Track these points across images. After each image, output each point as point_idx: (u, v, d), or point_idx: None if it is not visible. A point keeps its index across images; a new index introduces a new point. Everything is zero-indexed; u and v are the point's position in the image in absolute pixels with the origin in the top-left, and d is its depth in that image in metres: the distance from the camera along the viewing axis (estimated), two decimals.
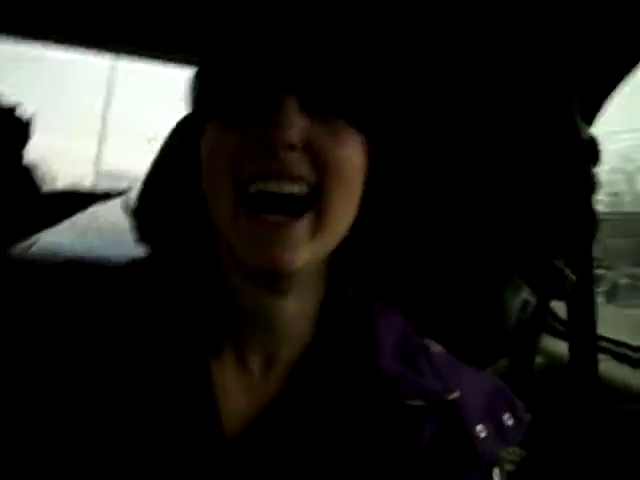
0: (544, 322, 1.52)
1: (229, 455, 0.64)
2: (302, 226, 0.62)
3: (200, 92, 0.67)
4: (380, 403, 0.66)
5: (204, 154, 0.65)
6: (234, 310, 0.69)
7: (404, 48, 0.68)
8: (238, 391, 0.67)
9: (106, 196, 1.35)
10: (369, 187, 0.67)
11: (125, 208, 1.00)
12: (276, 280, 0.65)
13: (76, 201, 1.34)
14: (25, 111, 1.30)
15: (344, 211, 0.65)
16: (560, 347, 1.54)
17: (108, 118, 3.22)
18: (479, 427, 0.68)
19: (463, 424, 0.67)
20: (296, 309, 0.69)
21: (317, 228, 0.63)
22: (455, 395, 0.68)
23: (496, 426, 0.69)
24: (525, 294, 1.10)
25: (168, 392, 0.64)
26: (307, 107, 0.61)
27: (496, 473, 0.68)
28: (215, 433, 0.64)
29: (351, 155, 0.63)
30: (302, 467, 0.63)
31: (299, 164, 0.61)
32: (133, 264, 0.74)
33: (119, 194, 1.31)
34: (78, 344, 0.66)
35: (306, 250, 0.62)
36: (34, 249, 1.46)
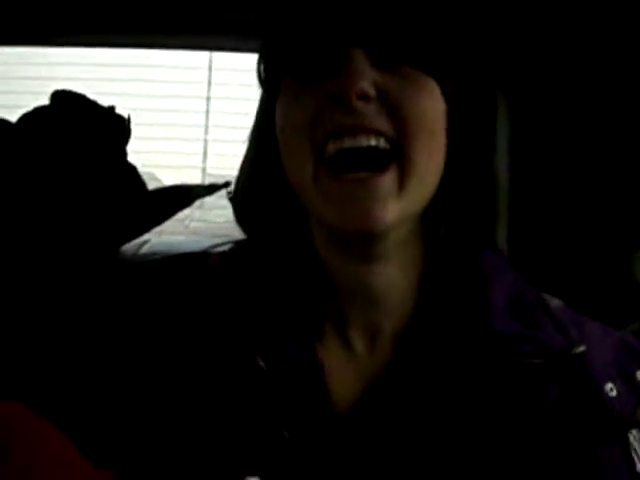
0: None
1: (341, 433, 0.62)
2: (387, 180, 0.59)
3: (270, 58, 0.66)
4: (498, 365, 0.62)
5: (278, 121, 0.64)
6: (333, 287, 0.66)
7: None
8: (344, 371, 0.65)
9: (212, 188, 1.36)
10: (453, 137, 0.64)
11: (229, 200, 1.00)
12: (369, 243, 0.62)
13: (183, 196, 1.36)
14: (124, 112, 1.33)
15: (429, 162, 0.62)
16: None
17: (210, 121, 3.26)
18: (609, 385, 0.63)
19: (591, 381, 0.63)
20: (395, 276, 0.66)
21: (403, 182, 0.60)
22: (580, 349, 0.63)
23: (628, 384, 0.64)
24: None
25: (277, 377, 0.63)
26: (376, 61, 0.59)
27: (633, 436, 0.62)
28: (326, 412, 0.63)
29: (429, 103, 0.61)
30: (418, 440, 0.61)
31: (375, 116, 0.59)
32: (235, 251, 0.73)
33: (224, 186, 1.31)
34: (187, 336, 0.66)
35: (395, 205, 0.59)
36: (145, 249, 1.49)
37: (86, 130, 1.25)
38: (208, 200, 1.57)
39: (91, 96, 1.31)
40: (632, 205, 1.11)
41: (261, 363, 0.62)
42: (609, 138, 1.15)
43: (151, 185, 1.39)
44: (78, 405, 0.68)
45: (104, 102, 1.32)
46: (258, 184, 0.69)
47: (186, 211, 1.41)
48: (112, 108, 1.29)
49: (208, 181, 1.62)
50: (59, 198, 1.20)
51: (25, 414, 0.63)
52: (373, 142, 0.59)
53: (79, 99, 1.28)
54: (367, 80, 0.58)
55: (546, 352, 0.62)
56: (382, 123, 0.59)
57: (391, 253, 0.64)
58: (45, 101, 1.29)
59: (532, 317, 0.65)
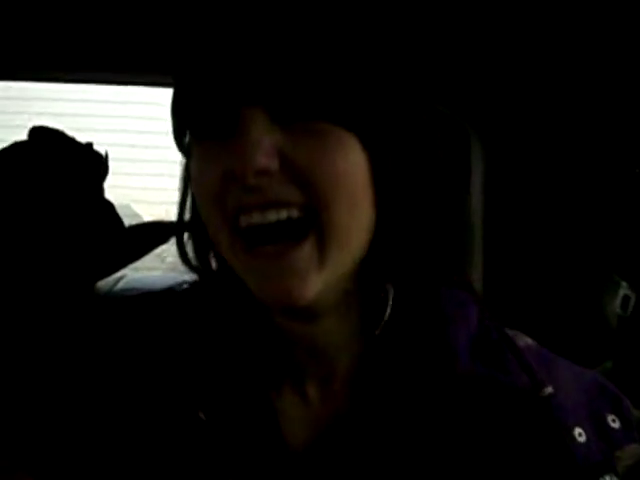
0: None
1: (296, 474, 0.60)
2: (305, 252, 0.54)
3: (173, 115, 0.60)
4: (459, 407, 0.59)
5: (192, 186, 0.60)
6: (286, 340, 0.63)
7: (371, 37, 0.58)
8: (300, 416, 0.63)
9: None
10: (383, 188, 0.57)
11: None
12: (297, 312, 0.58)
13: (160, 231, 1.35)
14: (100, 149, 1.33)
15: (351, 225, 0.55)
16: None
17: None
18: (577, 430, 0.59)
19: (558, 426, 0.59)
20: (338, 327, 0.62)
21: (323, 251, 0.54)
22: (547, 391, 0.60)
23: (599, 428, 0.60)
24: (624, 290, 1.06)
25: (230, 419, 0.61)
26: (277, 118, 0.53)
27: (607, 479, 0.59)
28: (281, 454, 0.61)
29: (345, 160, 0.53)
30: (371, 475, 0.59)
31: (281, 188, 0.53)
32: (191, 292, 0.70)
33: None
34: (141, 378, 0.64)
35: (315, 279, 0.54)
36: (122, 285, 1.49)
37: (64, 166, 1.25)
38: (184, 236, 1.57)
39: (68, 132, 1.32)
40: (603, 244, 1.12)
41: (201, 415, 0.61)
42: (584, 173, 1.16)
43: (130, 220, 1.38)
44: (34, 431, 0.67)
45: (81, 137, 1.32)
46: (199, 230, 0.63)
47: (163, 246, 1.40)
48: (90, 145, 1.29)
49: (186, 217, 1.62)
50: (35, 233, 1.20)
51: None
52: (284, 215, 0.53)
53: (57, 135, 1.28)
54: (265, 151, 0.51)
55: (510, 394, 0.60)
56: (290, 194, 0.53)
57: (328, 311, 0.60)
58: (23, 136, 1.30)
59: (496, 357, 0.62)
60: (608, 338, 1.07)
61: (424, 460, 0.58)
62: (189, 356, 0.64)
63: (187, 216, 0.65)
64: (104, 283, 1.38)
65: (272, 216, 0.53)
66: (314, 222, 0.54)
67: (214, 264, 0.65)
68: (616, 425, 0.61)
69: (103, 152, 1.32)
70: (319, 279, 0.55)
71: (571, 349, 0.74)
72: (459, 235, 0.67)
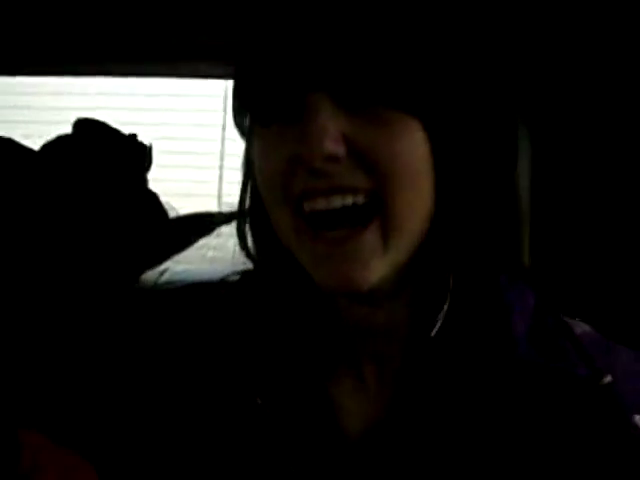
0: None
1: (352, 461, 0.60)
2: (369, 238, 0.55)
3: (236, 102, 0.61)
4: (517, 395, 0.59)
5: (255, 171, 0.59)
6: (344, 325, 0.63)
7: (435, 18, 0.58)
8: (356, 404, 0.63)
9: (228, 217, 1.36)
10: (442, 175, 0.57)
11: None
12: (359, 296, 0.59)
13: (202, 224, 1.36)
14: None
15: (415, 210, 0.56)
16: None
17: (225, 149, 3.27)
18: (638, 417, 0.59)
19: (619, 413, 0.59)
20: (399, 311, 0.62)
21: (388, 236, 0.55)
22: (607, 380, 0.59)
23: None
24: None
25: (287, 410, 0.62)
26: (343, 104, 0.53)
27: None
28: (338, 445, 0.61)
29: (409, 148, 0.54)
30: (430, 468, 0.58)
31: (348, 174, 0.53)
32: (249, 280, 0.70)
33: None
34: (191, 366, 0.65)
35: (379, 264, 0.55)
36: (166, 277, 1.49)
37: (108, 158, 1.26)
38: (226, 229, 1.57)
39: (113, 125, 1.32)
40: None
41: (258, 400, 0.61)
42: (630, 157, 1.15)
43: (169, 214, 1.39)
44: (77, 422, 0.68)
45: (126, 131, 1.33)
46: (259, 218, 0.64)
47: (204, 240, 1.41)
48: (134, 136, 1.30)
49: (224, 209, 1.62)
50: (81, 226, 1.21)
51: (49, 446, 0.63)
52: (349, 201, 0.54)
53: (101, 127, 1.29)
54: (332, 137, 0.52)
55: (569, 384, 0.59)
56: (357, 179, 0.54)
57: (389, 295, 0.60)
58: (67, 130, 1.31)
59: (555, 345, 0.62)
60: None
61: (482, 450, 0.58)
62: (245, 343, 0.64)
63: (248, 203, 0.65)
64: (149, 276, 1.39)
65: (337, 202, 0.54)
66: (378, 208, 0.54)
67: (271, 252, 0.64)
68: None
69: (147, 144, 1.32)
70: (382, 265, 0.55)
71: (623, 334, 0.73)
72: (512, 222, 0.66)
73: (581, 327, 0.65)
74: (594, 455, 0.58)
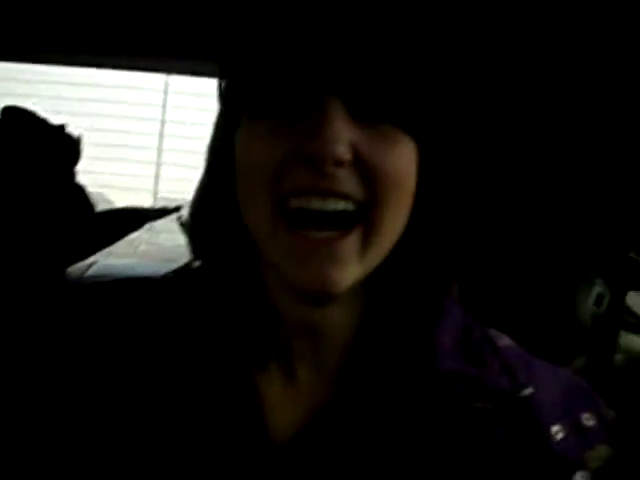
0: (621, 317, 1.47)
1: (278, 464, 0.60)
2: (350, 242, 0.56)
3: (233, 89, 0.61)
4: (443, 406, 0.60)
5: (238, 163, 0.59)
6: (279, 322, 0.64)
7: (450, 44, 0.62)
8: (285, 402, 0.63)
9: (162, 212, 1.34)
10: (419, 191, 0.59)
11: (180, 224, 0.99)
12: (323, 299, 0.59)
13: (132, 218, 1.34)
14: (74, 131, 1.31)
15: (395, 222, 0.58)
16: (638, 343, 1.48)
17: (163, 144, 3.25)
18: (555, 427, 0.61)
19: (537, 424, 0.60)
20: (341, 315, 0.63)
21: (367, 243, 0.56)
22: (527, 392, 0.61)
23: (574, 426, 0.62)
24: (599, 288, 1.06)
25: (213, 405, 0.61)
26: (353, 113, 0.54)
27: (580, 476, 0.60)
28: (262, 442, 0.61)
29: (404, 164, 0.56)
30: (355, 475, 0.58)
31: (347, 181, 0.54)
32: (182, 277, 0.71)
33: (175, 210, 1.30)
34: (127, 359, 0.64)
35: (355, 269, 0.56)
36: (92, 271, 1.47)
37: (35, 147, 1.23)
38: (158, 223, 1.56)
39: (44, 114, 1.29)
40: (579, 241, 1.12)
41: (190, 397, 0.61)
42: (562, 170, 1.17)
43: (102, 206, 1.37)
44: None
45: (58, 121, 1.30)
46: (211, 211, 0.65)
47: (135, 234, 1.39)
48: (62, 127, 1.27)
49: (160, 204, 1.61)
50: (3, 216, 1.18)
51: None
52: (341, 206, 0.55)
53: (29, 116, 1.26)
54: (344, 143, 0.53)
55: (492, 394, 0.61)
56: (353, 187, 0.55)
57: (342, 299, 0.61)
58: None
59: (479, 357, 0.63)
60: (581, 335, 1.08)
61: (405, 456, 0.59)
62: (173, 340, 0.64)
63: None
64: (75, 269, 1.36)
65: (331, 205, 0.55)
66: (364, 217, 0.56)
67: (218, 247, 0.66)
68: (590, 423, 0.62)
69: (76, 135, 1.30)
70: (358, 269, 0.57)
71: (544, 346, 0.74)
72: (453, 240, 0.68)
73: (502, 340, 0.67)
74: (512, 466, 0.59)
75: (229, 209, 0.62)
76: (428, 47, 0.58)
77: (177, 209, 1.29)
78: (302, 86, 0.55)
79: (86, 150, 1.33)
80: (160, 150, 3.26)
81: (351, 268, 0.56)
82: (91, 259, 1.42)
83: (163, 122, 3.21)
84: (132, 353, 0.64)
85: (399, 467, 0.59)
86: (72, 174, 1.28)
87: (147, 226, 1.41)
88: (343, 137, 0.53)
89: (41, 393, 0.66)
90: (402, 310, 0.64)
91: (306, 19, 0.55)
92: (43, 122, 1.26)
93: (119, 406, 0.62)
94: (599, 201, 1.11)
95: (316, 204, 0.55)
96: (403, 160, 0.56)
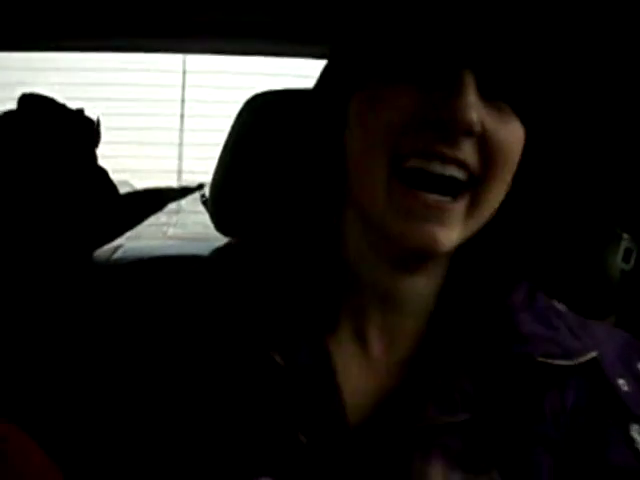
0: None
1: (354, 443, 0.61)
2: (459, 208, 0.60)
3: (360, 55, 0.63)
4: (525, 366, 0.63)
5: (355, 122, 0.62)
6: (354, 285, 0.67)
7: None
8: (359, 371, 0.65)
9: (185, 191, 1.35)
10: (521, 170, 0.64)
11: (204, 202, 0.99)
12: (420, 259, 0.64)
13: (155, 199, 1.35)
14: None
15: (498, 196, 0.63)
16: None
17: (184, 125, 3.25)
18: (621, 381, 0.65)
19: (607, 380, 0.65)
20: (422, 284, 0.67)
21: (472, 210, 0.61)
22: (594, 353, 0.65)
23: (635, 378, 0.66)
24: (627, 243, 1.05)
25: (293, 373, 0.63)
26: (483, 91, 0.58)
27: (635, 429, 0.64)
28: (339, 419, 0.62)
29: (516, 143, 0.61)
30: (436, 452, 0.60)
31: (469, 151, 0.58)
32: (228, 253, 0.73)
33: (198, 188, 1.31)
34: (194, 336, 0.67)
35: (459, 232, 0.60)
36: (119, 254, 1.48)
37: (54, 133, 1.24)
38: (186, 205, 1.56)
39: (62, 101, 1.30)
40: (605, 196, 1.11)
41: (277, 359, 0.63)
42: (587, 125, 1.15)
43: (124, 191, 1.37)
44: (68, 411, 0.68)
45: (76, 106, 1.31)
46: (246, 184, 0.71)
47: (163, 218, 1.40)
48: (80, 111, 1.28)
49: (185, 185, 1.62)
50: (28, 203, 1.19)
51: (18, 437, 0.62)
52: (460, 174, 0.59)
53: (47, 102, 1.26)
54: (476, 113, 0.57)
55: (569, 355, 0.64)
56: (473, 158, 0.59)
57: (429, 265, 0.65)
58: (13, 106, 1.28)
59: (550, 322, 0.67)
60: (611, 292, 1.07)
61: (488, 424, 0.62)
62: (233, 312, 0.66)
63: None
64: (101, 252, 1.37)
65: (450, 171, 0.58)
66: (474, 185, 0.60)
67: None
68: None
69: (95, 119, 1.30)
70: (462, 232, 0.61)
71: (574, 304, 0.74)
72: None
73: (559, 305, 0.70)
74: (585, 421, 0.64)
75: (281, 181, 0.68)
76: (550, 37, 0.64)
77: (200, 187, 1.29)
78: (443, 57, 0.58)
79: (105, 135, 1.34)
80: (182, 130, 3.26)
81: (456, 231, 0.60)
82: (116, 242, 1.43)
83: (183, 102, 3.21)
84: (194, 328, 0.67)
85: (479, 436, 0.61)
86: (93, 158, 1.28)
87: (175, 209, 1.42)
88: (476, 109, 0.57)
89: (98, 374, 0.67)
90: (483, 282, 0.69)
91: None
92: (61, 107, 1.27)
93: (185, 380, 0.65)
94: (624, 156, 1.10)
95: (436, 168, 0.58)
96: (515, 139, 0.61)
